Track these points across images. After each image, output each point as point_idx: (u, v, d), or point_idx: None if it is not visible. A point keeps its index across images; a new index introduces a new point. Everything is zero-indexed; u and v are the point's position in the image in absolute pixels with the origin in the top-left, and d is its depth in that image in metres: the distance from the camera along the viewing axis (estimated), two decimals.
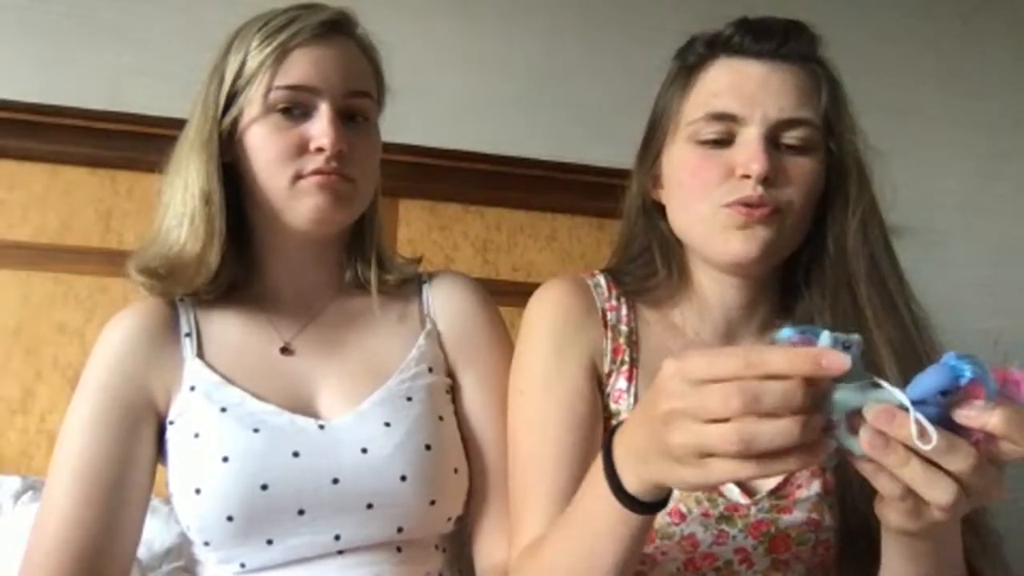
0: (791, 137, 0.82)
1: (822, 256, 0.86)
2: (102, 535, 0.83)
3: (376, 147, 0.94)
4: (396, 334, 0.96)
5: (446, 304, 0.98)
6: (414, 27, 1.69)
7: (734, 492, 0.83)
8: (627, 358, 0.89)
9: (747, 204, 0.80)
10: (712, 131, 0.82)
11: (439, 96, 1.69)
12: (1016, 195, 2.01)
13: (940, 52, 2.00)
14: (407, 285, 1.00)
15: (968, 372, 0.49)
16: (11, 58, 1.55)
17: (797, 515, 0.83)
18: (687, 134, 0.85)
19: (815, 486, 0.84)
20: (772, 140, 0.81)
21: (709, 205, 0.82)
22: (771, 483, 0.83)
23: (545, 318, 0.90)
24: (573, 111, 1.74)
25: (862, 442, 0.50)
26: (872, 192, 0.86)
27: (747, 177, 0.80)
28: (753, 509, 0.82)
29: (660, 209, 0.91)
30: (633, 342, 0.90)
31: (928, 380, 0.50)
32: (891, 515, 0.56)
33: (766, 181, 0.79)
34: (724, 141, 0.82)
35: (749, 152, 0.80)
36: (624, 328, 0.90)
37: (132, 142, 1.47)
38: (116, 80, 1.57)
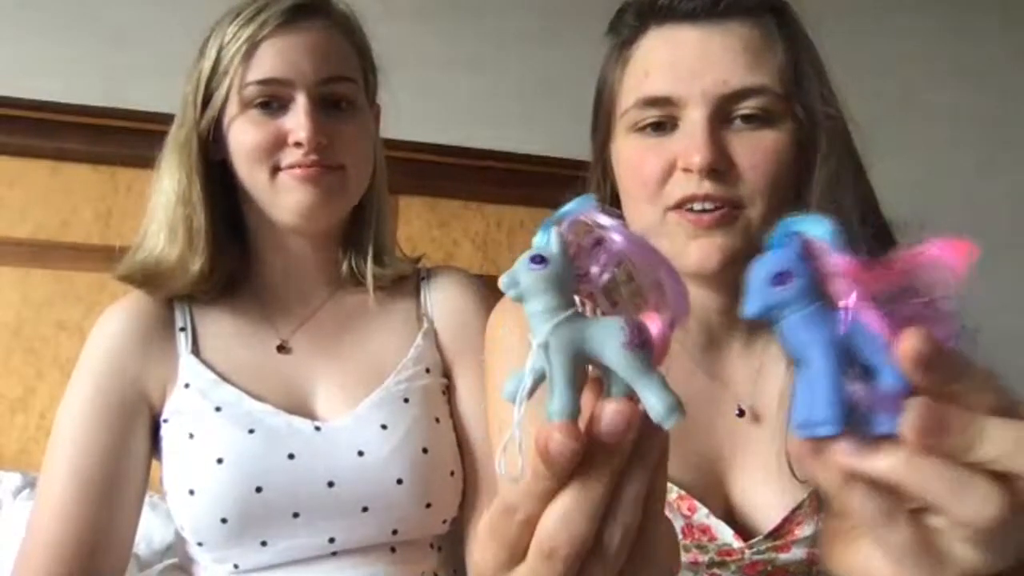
0: (745, 108, 0.68)
1: None
2: (97, 528, 0.83)
3: (366, 131, 0.90)
4: (394, 332, 0.94)
5: (444, 302, 0.97)
6: (415, 25, 1.69)
7: (728, 536, 0.71)
8: None
9: (694, 208, 0.68)
10: (649, 117, 0.70)
11: (439, 93, 1.69)
12: (1016, 191, 2.01)
13: (941, 48, 1.99)
14: (405, 282, 0.98)
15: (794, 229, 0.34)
16: (12, 56, 1.55)
17: (796, 552, 0.72)
18: (625, 124, 0.72)
19: (819, 522, 0.71)
20: (722, 118, 0.68)
21: (654, 211, 0.70)
22: (769, 524, 0.71)
23: (511, 342, 0.79)
24: (573, 108, 1.72)
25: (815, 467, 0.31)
26: (846, 159, 0.71)
27: (690, 170, 0.67)
28: (748, 552, 0.71)
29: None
30: None
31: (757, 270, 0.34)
32: None
33: (714, 174, 0.66)
34: (667, 125, 0.70)
35: (689, 140, 0.67)
36: None
37: (132, 139, 1.47)
38: (116, 77, 1.57)
